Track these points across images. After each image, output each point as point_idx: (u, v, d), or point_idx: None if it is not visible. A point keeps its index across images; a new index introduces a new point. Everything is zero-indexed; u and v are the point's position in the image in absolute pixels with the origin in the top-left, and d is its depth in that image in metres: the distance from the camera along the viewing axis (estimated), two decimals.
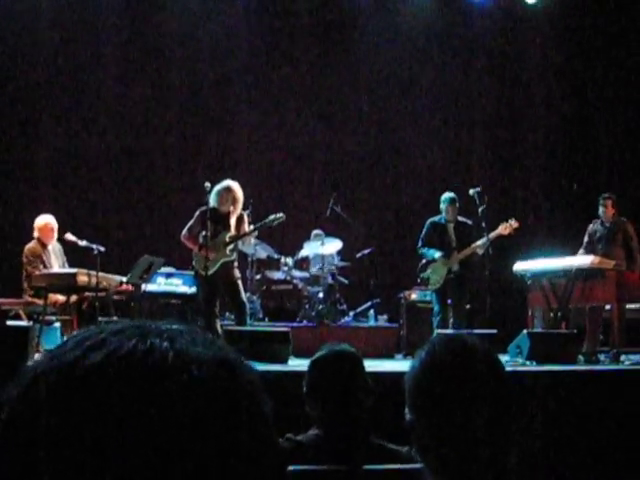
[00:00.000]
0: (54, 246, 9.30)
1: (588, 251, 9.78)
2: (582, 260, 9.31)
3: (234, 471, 0.69)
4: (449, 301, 9.72)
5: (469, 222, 9.82)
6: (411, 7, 13.80)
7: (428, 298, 10.34)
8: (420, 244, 9.90)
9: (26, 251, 9.09)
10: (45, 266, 9.00)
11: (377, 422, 3.05)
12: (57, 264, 9.21)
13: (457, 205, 9.74)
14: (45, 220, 9.26)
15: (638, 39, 13.43)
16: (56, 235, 9.24)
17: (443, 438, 1.68)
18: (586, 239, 10.01)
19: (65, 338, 0.74)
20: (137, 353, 0.69)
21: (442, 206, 9.79)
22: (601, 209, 9.87)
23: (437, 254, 9.64)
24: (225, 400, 0.70)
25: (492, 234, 9.49)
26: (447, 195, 9.82)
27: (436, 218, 9.88)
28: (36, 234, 9.19)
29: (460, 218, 9.80)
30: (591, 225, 10.04)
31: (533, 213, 13.45)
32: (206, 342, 0.74)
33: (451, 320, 9.61)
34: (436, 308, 9.69)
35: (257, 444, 0.71)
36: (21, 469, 0.65)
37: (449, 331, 8.79)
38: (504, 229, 9.50)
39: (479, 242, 9.52)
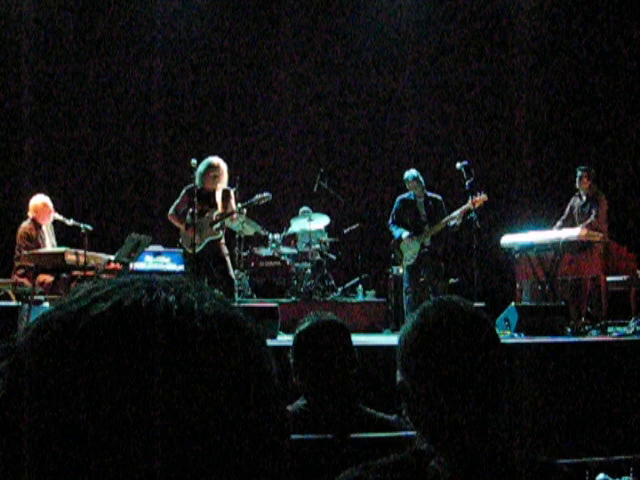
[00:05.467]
0: (47, 226, 9.26)
1: (567, 223, 9.92)
2: (569, 233, 9.35)
3: (236, 428, 0.69)
4: (422, 278, 9.76)
5: (439, 197, 9.88)
6: None
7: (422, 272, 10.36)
8: (391, 221, 9.93)
9: (21, 232, 9.02)
10: (39, 247, 8.95)
11: (365, 394, 3.06)
12: (50, 245, 9.17)
13: (421, 181, 9.78)
14: (42, 200, 9.18)
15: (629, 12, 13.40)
16: (52, 216, 9.19)
17: (433, 400, 1.69)
18: (567, 211, 10.14)
19: (75, 289, 0.75)
20: (141, 305, 0.70)
21: (406, 185, 9.85)
22: (577, 181, 10.01)
23: (405, 234, 9.67)
24: (228, 356, 0.70)
25: (462, 208, 9.52)
26: (409, 173, 9.88)
27: (405, 195, 9.91)
28: (31, 214, 9.11)
29: (429, 193, 9.85)
30: (572, 198, 10.15)
31: (520, 186, 13.45)
32: (213, 299, 0.74)
33: (431, 296, 9.63)
34: (406, 285, 9.71)
35: (259, 400, 0.71)
36: (25, 414, 0.66)
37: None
38: (474, 202, 9.50)
39: (449, 216, 9.56)
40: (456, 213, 9.51)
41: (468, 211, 9.51)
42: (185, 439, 0.66)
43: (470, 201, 9.51)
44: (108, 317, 0.69)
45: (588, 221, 9.68)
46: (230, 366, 0.70)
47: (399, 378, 1.76)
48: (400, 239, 9.70)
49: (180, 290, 0.73)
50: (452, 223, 9.56)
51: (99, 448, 0.64)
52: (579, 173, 10.03)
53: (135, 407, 0.65)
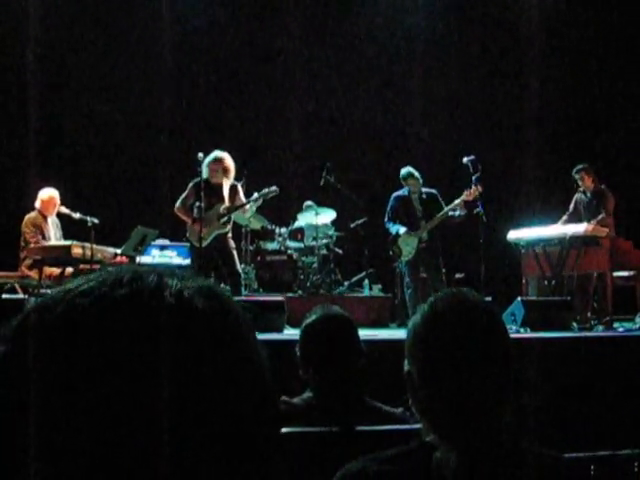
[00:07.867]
0: (53, 219, 9.30)
1: (572, 218, 9.92)
2: (576, 228, 9.34)
3: (221, 398, 0.69)
4: (423, 274, 9.77)
5: (434, 191, 9.88)
6: None
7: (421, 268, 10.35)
8: (386, 218, 9.92)
9: (27, 220, 9.07)
10: (44, 237, 9.00)
11: (371, 388, 3.06)
12: (55, 237, 9.21)
13: (417, 177, 9.78)
14: (49, 193, 9.24)
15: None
16: (57, 209, 9.23)
17: (439, 390, 1.69)
18: (572, 206, 10.14)
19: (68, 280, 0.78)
20: (122, 280, 0.72)
21: (403, 182, 9.84)
22: (579, 182, 9.99)
23: (402, 230, 9.67)
24: (208, 325, 0.71)
25: (457, 200, 9.52)
26: (405, 170, 9.87)
27: (400, 191, 9.91)
28: (38, 205, 9.17)
29: (424, 189, 9.84)
30: (577, 194, 10.13)
31: (527, 181, 13.42)
32: (196, 278, 0.76)
33: (431, 291, 9.62)
34: (407, 280, 9.72)
35: (243, 367, 0.72)
36: (12, 403, 0.67)
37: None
38: (468, 195, 9.49)
39: (448, 207, 9.56)
40: (455, 204, 9.51)
41: (467, 203, 9.51)
42: (168, 423, 0.66)
43: (466, 193, 9.50)
44: (87, 296, 0.70)
45: (599, 217, 9.65)
46: (210, 347, 0.70)
47: (406, 368, 1.77)
48: (397, 235, 9.70)
49: (162, 273, 0.75)
50: (457, 213, 9.55)
51: (91, 427, 0.65)
52: (576, 176, 10.02)
53: (120, 385, 0.66)
